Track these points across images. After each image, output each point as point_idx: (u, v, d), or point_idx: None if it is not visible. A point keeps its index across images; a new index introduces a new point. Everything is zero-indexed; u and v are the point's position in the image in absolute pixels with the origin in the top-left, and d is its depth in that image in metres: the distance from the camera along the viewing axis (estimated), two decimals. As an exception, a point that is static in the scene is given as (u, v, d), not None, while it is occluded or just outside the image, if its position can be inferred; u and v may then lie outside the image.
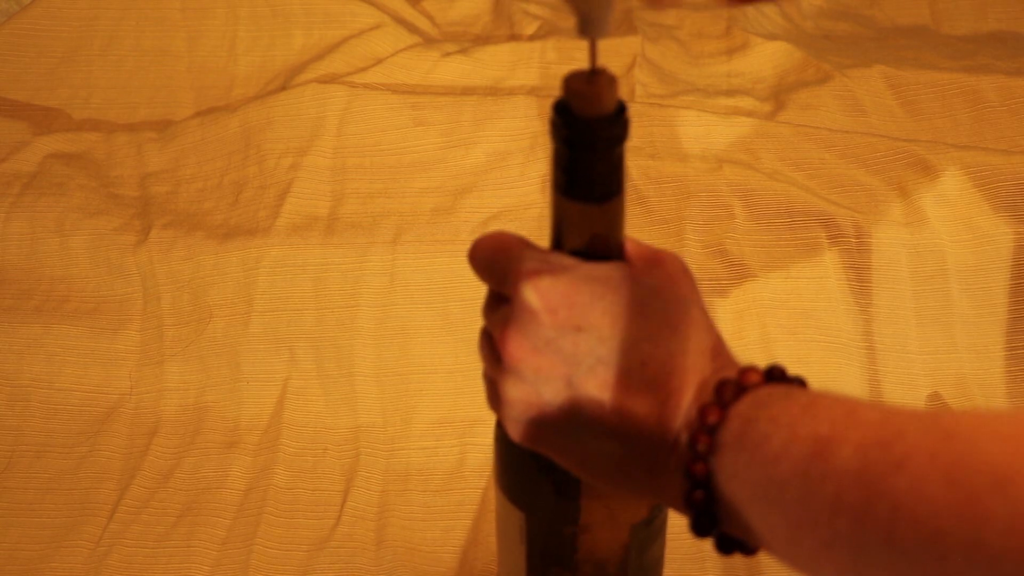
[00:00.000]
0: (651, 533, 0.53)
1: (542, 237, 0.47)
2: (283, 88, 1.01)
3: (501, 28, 1.08)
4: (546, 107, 0.95)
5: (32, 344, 0.87)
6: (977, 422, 0.33)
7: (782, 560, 0.39)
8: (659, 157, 0.94)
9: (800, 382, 0.42)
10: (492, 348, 0.47)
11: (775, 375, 0.42)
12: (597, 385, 0.43)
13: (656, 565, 0.56)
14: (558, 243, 0.46)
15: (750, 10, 1.09)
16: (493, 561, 0.76)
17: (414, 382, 0.86)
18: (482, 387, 0.49)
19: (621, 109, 0.43)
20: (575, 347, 0.43)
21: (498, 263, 0.46)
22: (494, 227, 0.90)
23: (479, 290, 0.49)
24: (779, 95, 1.01)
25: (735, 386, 0.41)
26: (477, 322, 0.49)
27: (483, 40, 1.07)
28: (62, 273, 0.90)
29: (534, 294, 0.44)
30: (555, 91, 0.43)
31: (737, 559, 0.75)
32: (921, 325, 0.87)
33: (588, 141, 0.43)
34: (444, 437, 0.83)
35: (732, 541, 0.42)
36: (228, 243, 0.90)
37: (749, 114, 0.98)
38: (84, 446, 0.83)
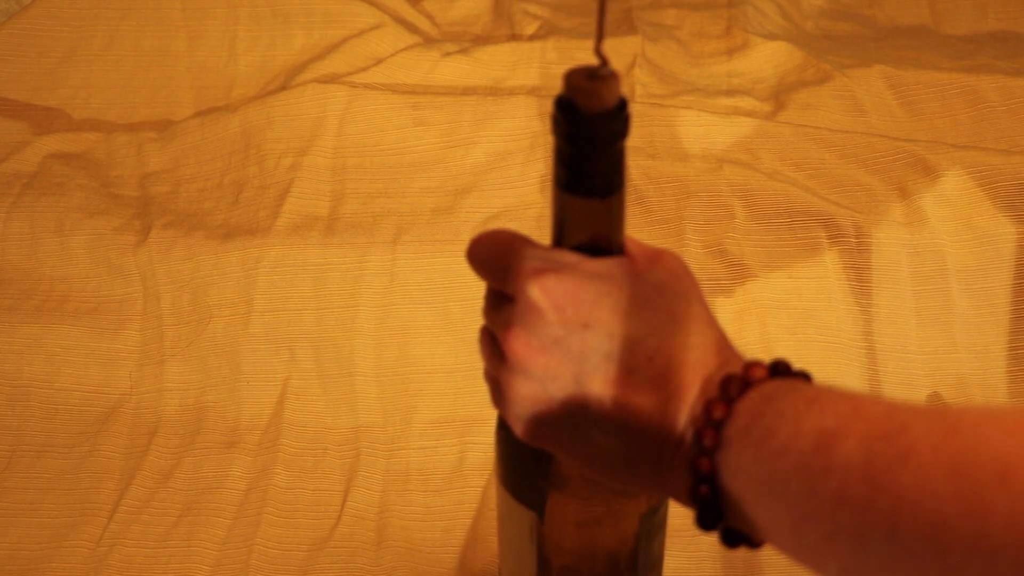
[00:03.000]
0: (656, 523, 0.53)
1: (542, 237, 0.47)
2: (283, 88, 1.01)
3: (501, 28, 1.08)
4: (546, 107, 0.95)
5: (32, 344, 0.87)
6: (982, 417, 0.33)
7: (785, 553, 0.39)
8: (659, 157, 0.94)
9: (805, 376, 0.42)
10: (495, 347, 0.46)
11: (780, 370, 0.42)
12: (604, 381, 0.43)
13: (660, 556, 0.56)
14: (559, 239, 0.46)
15: (750, 10, 1.09)
16: (493, 561, 0.76)
17: (414, 382, 0.86)
18: (482, 386, 0.49)
19: (623, 105, 0.43)
20: (583, 344, 0.43)
21: (499, 261, 0.46)
22: (494, 227, 0.90)
23: (479, 290, 0.49)
24: (779, 95, 1.01)
25: (741, 381, 0.41)
26: (477, 322, 0.49)
27: (483, 40, 1.07)
28: (62, 273, 0.90)
29: (540, 292, 0.44)
30: (555, 91, 0.43)
31: (735, 555, 0.75)
32: (921, 325, 0.87)
33: (590, 137, 0.42)
34: (444, 437, 0.83)
35: (737, 535, 0.42)
36: (228, 243, 0.90)
37: (749, 114, 0.98)
38: (84, 446, 0.83)
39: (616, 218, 0.46)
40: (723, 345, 0.45)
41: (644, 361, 0.43)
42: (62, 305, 0.89)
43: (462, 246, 0.48)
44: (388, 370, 0.86)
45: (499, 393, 0.47)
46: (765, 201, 0.91)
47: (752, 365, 0.42)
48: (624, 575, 0.54)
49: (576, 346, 0.43)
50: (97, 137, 0.99)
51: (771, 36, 1.07)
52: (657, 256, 0.46)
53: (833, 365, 0.85)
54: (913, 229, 0.89)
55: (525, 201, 0.92)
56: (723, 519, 0.42)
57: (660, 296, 0.44)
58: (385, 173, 0.94)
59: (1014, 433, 0.32)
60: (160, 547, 0.77)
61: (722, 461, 0.41)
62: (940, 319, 0.87)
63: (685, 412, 0.43)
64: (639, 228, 0.91)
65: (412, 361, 0.86)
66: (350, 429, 0.84)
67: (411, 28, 1.07)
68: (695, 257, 0.88)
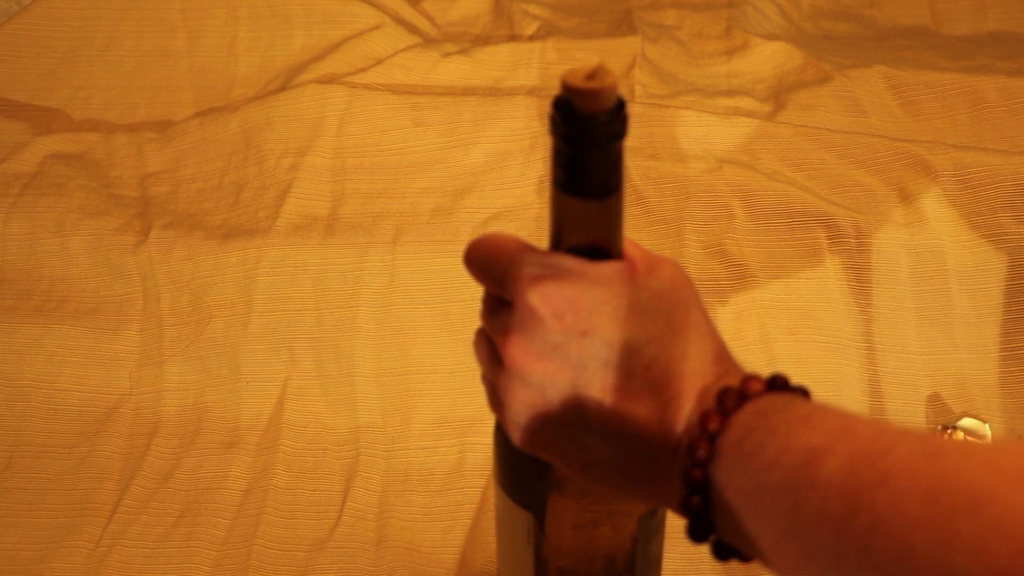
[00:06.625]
0: (655, 524, 0.53)
1: (541, 238, 0.47)
2: (283, 88, 1.01)
3: (501, 28, 1.08)
4: (546, 107, 0.95)
5: (32, 344, 0.87)
6: (964, 446, 0.33)
7: (769, 568, 0.39)
8: (659, 157, 0.94)
9: (803, 391, 0.42)
10: (493, 351, 0.46)
11: (778, 384, 0.42)
12: (601, 388, 0.43)
13: (659, 557, 0.56)
14: (557, 241, 0.46)
15: (750, 10, 1.09)
16: (492, 561, 0.76)
17: (414, 382, 0.86)
18: (482, 387, 0.49)
19: (620, 105, 0.42)
20: (581, 351, 0.43)
21: (497, 266, 0.46)
22: (494, 227, 0.90)
23: (479, 290, 0.49)
24: (779, 95, 1.01)
25: (737, 394, 0.41)
26: (477, 322, 0.49)
27: (483, 40, 1.07)
28: (62, 273, 0.90)
29: (539, 299, 0.44)
30: (555, 91, 0.43)
31: (735, 562, 0.75)
32: (921, 325, 0.87)
33: (588, 138, 0.42)
34: (443, 437, 0.83)
35: (728, 548, 0.42)
36: (228, 243, 0.90)
37: (749, 114, 0.98)
38: (84, 446, 0.83)
39: (614, 219, 0.46)
40: (722, 355, 0.44)
41: (642, 369, 0.43)
42: (62, 305, 0.89)
43: (462, 246, 0.48)
44: (388, 370, 0.86)
45: (496, 398, 0.46)
46: (765, 201, 0.91)
47: (750, 378, 0.42)
48: (622, 577, 0.54)
49: (575, 353, 0.43)
50: (97, 137, 0.99)
51: (771, 36, 1.07)
52: (657, 263, 0.46)
53: (833, 365, 0.84)
54: (913, 230, 0.89)
55: (524, 202, 0.92)
56: (714, 531, 0.42)
57: (659, 304, 0.44)
58: (385, 173, 0.94)
59: (990, 464, 0.32)
60: (160, 547, 0.77)
61: (715, 473, 0.41)
62: (940, 319, 0.87)
63: (681, 421, 0.42)
64: (639, 228, 0.90)
65: (412, 361, 0.86)
66: (350, 429, 0.84)
67: (411, 28, 1.07)
68: (695, 258, 0.88)
